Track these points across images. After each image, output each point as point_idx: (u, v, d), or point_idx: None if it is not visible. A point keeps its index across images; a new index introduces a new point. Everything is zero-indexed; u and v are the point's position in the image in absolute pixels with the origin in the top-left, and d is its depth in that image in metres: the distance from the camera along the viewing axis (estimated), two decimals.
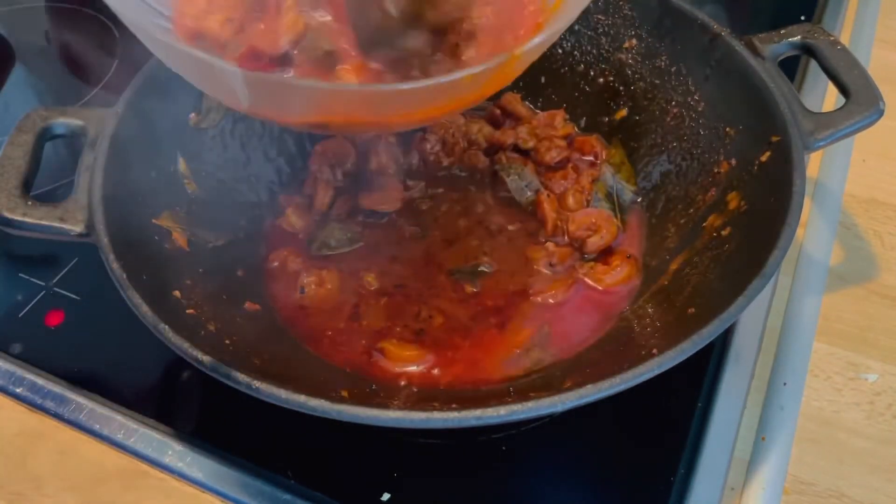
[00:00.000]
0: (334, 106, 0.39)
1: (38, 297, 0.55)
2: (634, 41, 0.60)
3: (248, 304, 0.51)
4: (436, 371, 0.50)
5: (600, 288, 0.54)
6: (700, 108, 0.56)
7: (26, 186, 0.46)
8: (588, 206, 0.59)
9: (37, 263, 0.58)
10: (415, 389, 0.48)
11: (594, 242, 0.55)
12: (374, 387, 0.48)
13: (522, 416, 0.37)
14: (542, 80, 0.65)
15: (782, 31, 0.54)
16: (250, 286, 0.53)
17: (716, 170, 0.54)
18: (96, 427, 0.49)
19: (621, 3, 0.60)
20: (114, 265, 0.42)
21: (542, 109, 0.65)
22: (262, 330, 0.50)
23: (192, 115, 0.56)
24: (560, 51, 0.64)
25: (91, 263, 0.54)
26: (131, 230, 0.46)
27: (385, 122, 0.42)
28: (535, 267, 0.55)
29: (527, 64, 0.42)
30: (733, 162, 0.53)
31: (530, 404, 0.37)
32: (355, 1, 0.41)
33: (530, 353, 0.50)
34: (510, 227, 0.58)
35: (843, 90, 0.51)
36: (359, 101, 0.39)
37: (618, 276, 0.54)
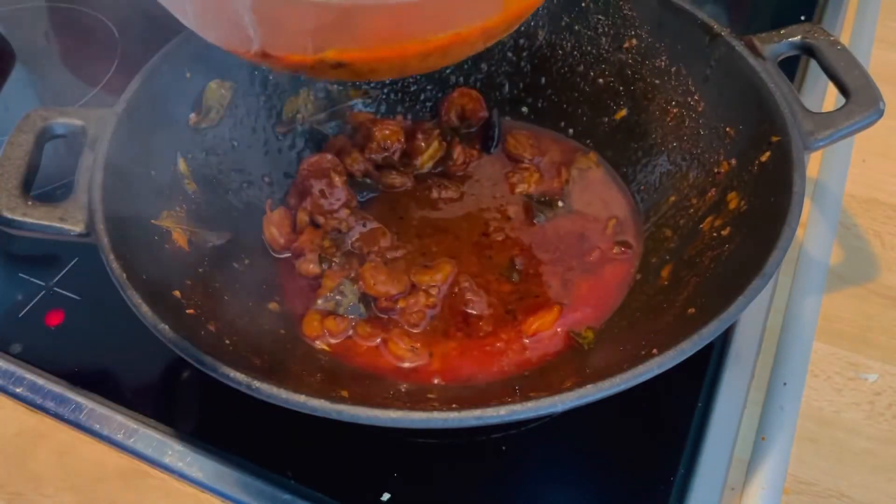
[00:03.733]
0: (352, 26, 0.37)
1: (38, 297, 0.55)
2: (634, 41, 0.60)
3: (267, 304, 0.52)
4: (435, 366, 0.50)
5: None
6: (700, 108, 0.56)
7: (26, 186, 0.46)
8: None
9: (37, 263, 0.58)
10: (414, 386, 0.49)
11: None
12: (376, 385, 0.48)
13: (522, 416, 0.37)
14: (543, 80, 0.65)
15: (782, 31, 0.54)
16: (251, 285, 0.53)
17: (716, 170, 0.54)
18: (96, 427, 0.49)
19: (621, 3, 0.60)
20: (114, 265, 0.42)
21: (544, 110, 0.65)
22: (265, 329, 0.50)
23: (192, 115, 0.56)
24: (560, 51, 0.64)
25: (91, 263, 0.54)
26: (131, 230, 0.47)
27: (409, 52, 0.40)
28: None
29: None
30: (733, 162, 0.53)
31: (530, 404, 0.37)
32: None
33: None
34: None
35: (843, 90, 0.51)
36: (380, 15, 0.36)
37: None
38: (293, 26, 0.37)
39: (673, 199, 0.56)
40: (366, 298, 0.53)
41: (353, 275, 0.53)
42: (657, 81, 0.59)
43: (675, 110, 0.58)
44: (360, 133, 0.63)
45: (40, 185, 0.49)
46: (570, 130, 0.65)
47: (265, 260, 0.56)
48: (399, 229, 0.58)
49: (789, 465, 0.47)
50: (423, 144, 0.63)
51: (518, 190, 0.61)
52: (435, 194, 0.61)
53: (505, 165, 0.63)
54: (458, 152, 0.63)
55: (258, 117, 0.60)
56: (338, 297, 0.52)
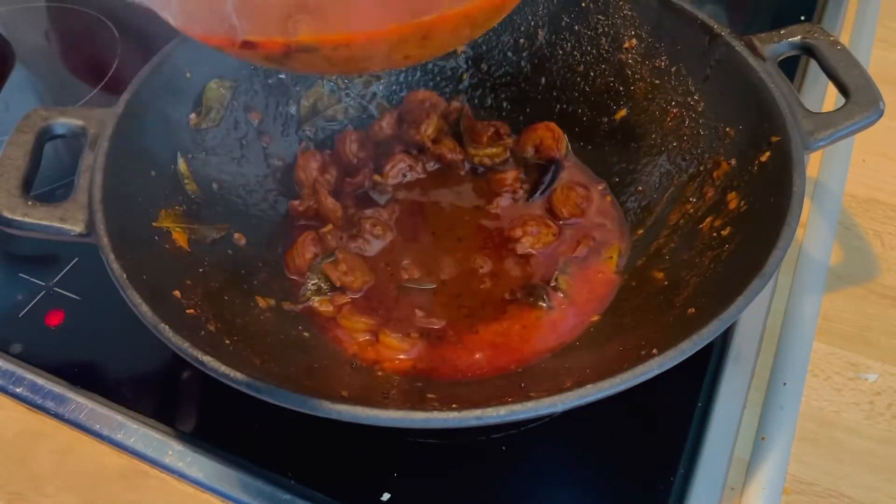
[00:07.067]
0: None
1: (38, 297, 0.55)
2: (634, 41, 0.60)
3: (258, 299, 0.52)
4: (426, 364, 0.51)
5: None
6: (700, 109, 0.56)
7: (26, 186, 0.46)
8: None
9: (37, 263, 0.58)
10: (419, 384, 0.49)
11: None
12: (379, 374, 0.49)
13: (522, 416, 0.37)
14: (543, 81, 0.65)
15: (782, 31, 0.54)
16: (252, 285, 0.53)
17: (716, 170, 0.54)
18: (96, 427, 0.49)
19: (621, 3, 0.60)
20: (114, 265, 0.42)
21: (543, 110, 0.65)
22: (265, 329, 0.50)
23: (192, 115, 0.56)
24: (560, 51, 0.64)
25: (91, 263, 0.54)
26: (131, 230, 0.47)
27: (384, 35, 0.38)
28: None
29: None
30: (733, 162, 0.53)
31: (530, 404, 0.37)
32: None
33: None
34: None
35: (843, 90, 0.51)
36: None
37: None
38: (269, 4, 0.37)
39: (673, 199, 0.56)
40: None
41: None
42: (657, 81, 0.59)
43: (675, 110, 0.58)
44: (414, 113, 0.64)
45: (40, 185, 0.49)
46: (582, 143, 0.64)
47: (266, 260, 0.56)
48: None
49: (789, 465, 0.47)
50: (484, 139, 0.64)
51: (521, 243, 0.57)
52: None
53: (533, 209, 0.61)
54: (513, 177, 0.62)
55: (264, 116, 0.60)
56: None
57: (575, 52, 0.64)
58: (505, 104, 0.67)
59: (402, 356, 0.51)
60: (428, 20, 0.38)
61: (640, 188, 0.59)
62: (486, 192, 0.62)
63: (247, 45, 0.38)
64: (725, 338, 0.53)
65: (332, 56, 0.39)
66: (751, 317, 0.54)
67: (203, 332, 0.44)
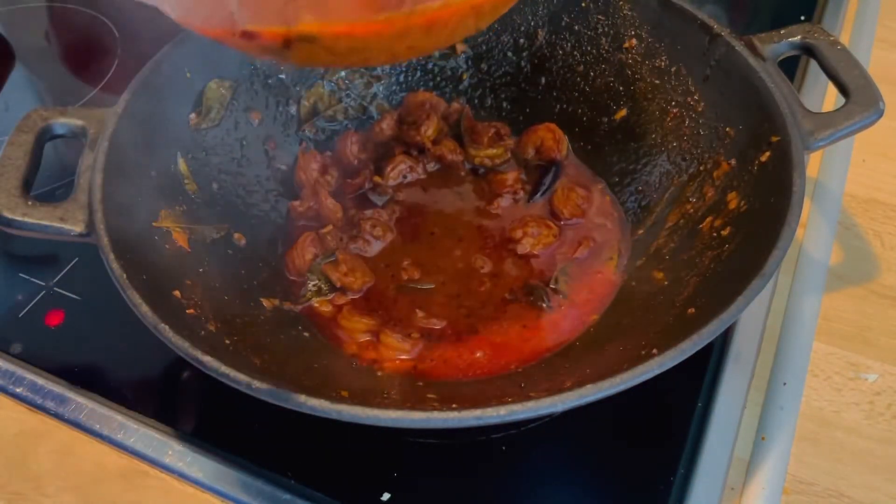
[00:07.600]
0: None
1: (38, 297, 0.55)
2: (634, 41, 0.60)
3: (258, 299, 0.52)
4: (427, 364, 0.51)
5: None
6: (700, 108, 0.56)
7: (26, 186, 0.46)
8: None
9: (37, 263, 0.58)
10: (420, 384, 0.49)
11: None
12: (379, 374, 0.49)
13: (522, 416, 0.37)
14: (543, 81, 0.65)
15: (782, 31, 0.54)
16: (251, 285, 0.53)
17: (715, 170, 0.54)
18: (96, 427, 0.49)
19: (621, 3, 0.60)
20: (114, 265, 0.42)
21: (543, 110, 0.65)
22: (265, 329, 0.50)
23: (192, 115, 0.56)
24: (560, 51, 0.64)
25: (91, 263, 0.54)
26: (131, 230, 0.47)
27: (388, 27, 0.37)
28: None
29: None
30: (733, 162, 0.53)
31: (530, 404, 0.37)
32: None
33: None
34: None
35: (843, 90, 0.51)
36: None
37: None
38: None
39: (673, 198, 0.56)
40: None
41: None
42: (657, 81, 0.59)
43: (675, 110, 0.58)
44: (415, 114, 0.64)
45: (40, 185, 0.49)
46: (582, 143, 0.64)
47: (266, 261, 0.56)
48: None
49: (789, 465, 0.47)
50: (485, 140, 0.64)
51: (522, 244, 0.57)
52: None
53: (533, 210, 0.60)
54: (514, 178, 0.62)
55: (264, 116, 0.60)
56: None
57: (575, 52, 0.64)
58: (505, 104, 0.67)
59: (402, 356, 0.51)
60: (433, 7, 0.38)
61: (640, 188, 0.59)
62: (487, 192, 0.62)
63: (246, 34, 0.38)
64: (725, 338, 0.53)
65: (334, 46, 0.38)
66: (751, 317, 0.54)
67: (203, 332, 0.44)
